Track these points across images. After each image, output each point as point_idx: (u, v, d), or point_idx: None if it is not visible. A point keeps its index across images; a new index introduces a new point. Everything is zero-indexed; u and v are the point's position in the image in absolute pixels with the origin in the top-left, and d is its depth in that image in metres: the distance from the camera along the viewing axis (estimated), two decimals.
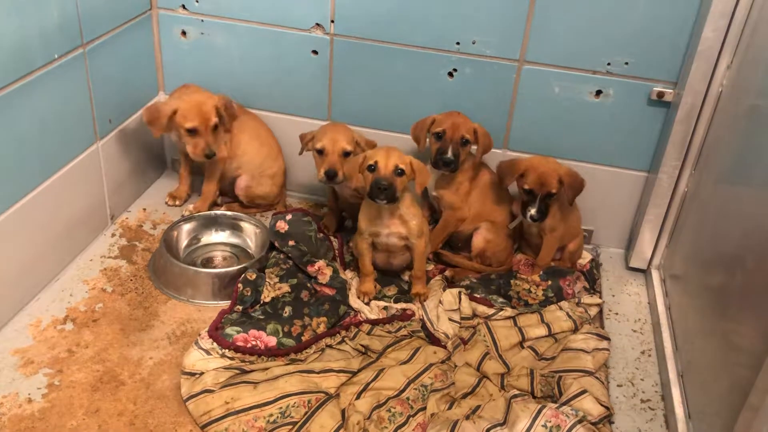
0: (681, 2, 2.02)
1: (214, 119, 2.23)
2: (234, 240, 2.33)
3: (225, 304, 2.07)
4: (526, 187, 2.10)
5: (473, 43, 2.21)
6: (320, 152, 2.13)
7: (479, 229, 2.24)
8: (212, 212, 2.35)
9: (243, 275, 2.07)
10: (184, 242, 2.29)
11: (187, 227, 2.30)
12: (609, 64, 2.16)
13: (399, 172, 1.94)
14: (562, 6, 2.10)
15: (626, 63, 2.14)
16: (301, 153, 2.23)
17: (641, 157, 2.28)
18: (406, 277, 2.22)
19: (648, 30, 2.08)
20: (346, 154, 2.12)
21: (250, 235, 2.32)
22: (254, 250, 2.28)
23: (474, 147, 2.19)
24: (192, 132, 2.21)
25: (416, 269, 2.12)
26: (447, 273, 2.24)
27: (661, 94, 2.15)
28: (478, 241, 2.23)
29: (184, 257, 2.25)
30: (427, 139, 2.20)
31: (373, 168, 1.94)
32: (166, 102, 2.25)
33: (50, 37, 1.92)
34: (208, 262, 2.26)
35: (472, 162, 2.22)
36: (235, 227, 2.34)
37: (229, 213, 2.35)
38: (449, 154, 2.11)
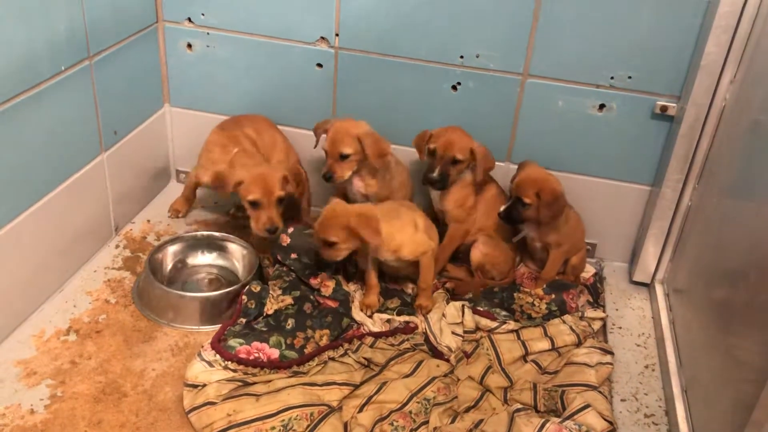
0: (684, 17, 2.03)
1: (279, 192, 2.13)
2: (221, 262, 2.28)
3: (210, 329, 2.02)
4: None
5: (477, 56, 2.22)
6: (325, 152, 2.18)
7: (476, 242, 2.24)
8: (198, 233, 2.30)
9: (247, 287, 2.07)
10: (169, 265, 2.23)
11: (173, 249, 2.25)
12: (612, 78, 2.16)
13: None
14: (565, 20, 2.12)
15: (629, 77, 2.15)
16: (315, 146, 2.24)
17: (644, 170, 2.28)
18: (409, 290, 2.22)
19: (651, 44, 2.09)
20: (343, 157, 2.14)
21: (238, 257, 2.27)
22: (241, 273, 2.24)
23: (466, 168, 2.18)
24: (254, 204, 2.14)
25: (422, 281, 2.11)
26: (447, 285, 2.23)
27: (664, 108, 2.16)
28: (476, 254, 2.23)
29: (168, 280, 2.19)
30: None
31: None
32: (234, 171, 2.16)
33: (57, 49, 1.93)
34: (193, 285, 2.21)
35: (473, 179, 2.20)
36: (222, 249, 2.28)
37: (216, 234, 2.29)
38: (435, 173, 2.12)
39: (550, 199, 2.08)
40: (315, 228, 1.99)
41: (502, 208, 2.14)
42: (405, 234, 2.02)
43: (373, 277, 2.12)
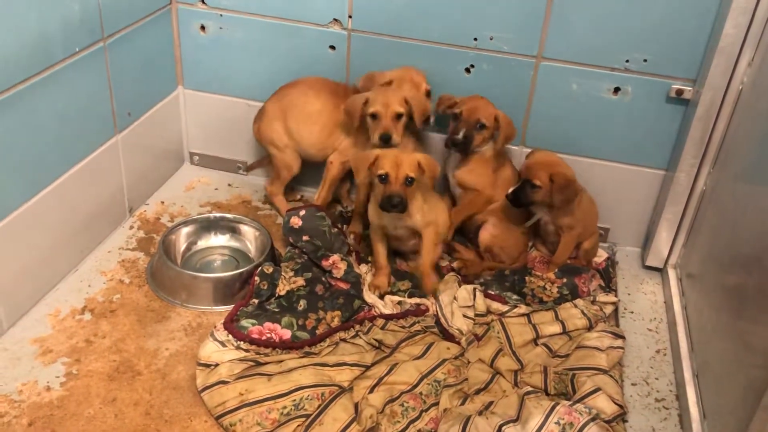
0: None
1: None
2: (233, 243, 2.30)
3: (223, 309, 2.05)
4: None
5: (491, 39, 2.21)
6: (374, 117, 2.12)
7: (485, 224, 2.24)
8: (211, 215, 2.32)
9: (260, 268, 2.08)
10: (182, 246, 2.25)
11: (186, 230, 2.26)
12: (627, 61, 2.14)
13: (410, 182, 1.94)
14: (580, 2, 2.09)
15: (645, 60, 2.13)
16: (355, 125, 2.19)
17: (659, 155, 2.26)
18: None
19: (667, 26, 2.06)
20: (399, 117, 2.12)
21: (250, 238, 2.29)
22: (254, 254, 2.25)
23: (490, 137, 2.18)
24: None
25: (423, 263, 2.11)
26: (455, 264, 2.23)
27: (680, 92, 2.13)
28: (485, 236, 2.23)
29: (181, 261, 2.22)
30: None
31: (383, 179, 1.95)
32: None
33: (71, 31, 1.94)
34: (206, 266, 2.23)
35: (494, 150, 2.20)
36: (234, 230, 2.30)
37: (229, 215, 2.31)
38: (460, 135, 2.13)
39: (563, 183, 2.07)
40: (390, 170, 1.92)
41: (510, 190, 2.14)
42: (416, 202, 2.04)
43: (382, 258, 2.13)
